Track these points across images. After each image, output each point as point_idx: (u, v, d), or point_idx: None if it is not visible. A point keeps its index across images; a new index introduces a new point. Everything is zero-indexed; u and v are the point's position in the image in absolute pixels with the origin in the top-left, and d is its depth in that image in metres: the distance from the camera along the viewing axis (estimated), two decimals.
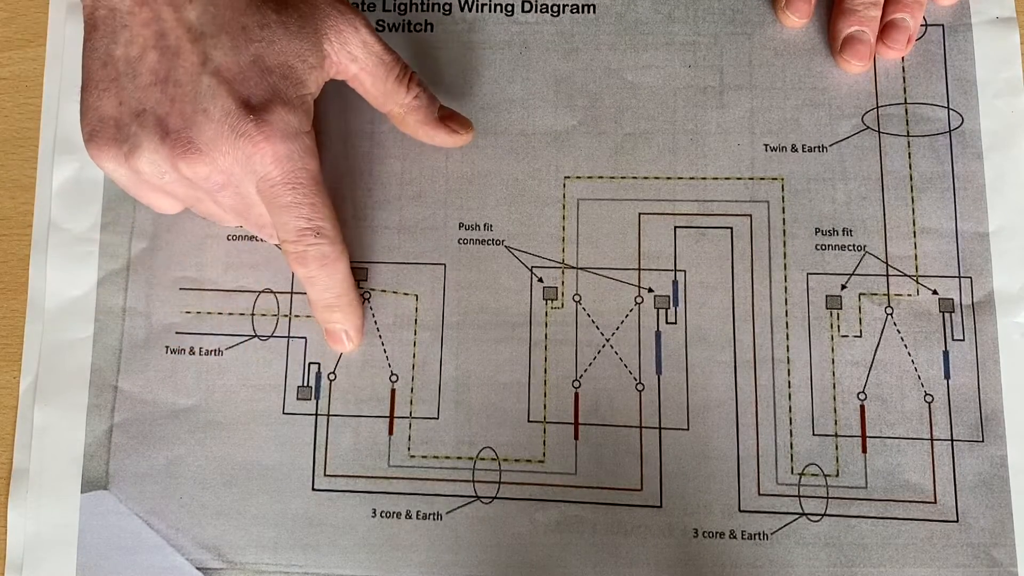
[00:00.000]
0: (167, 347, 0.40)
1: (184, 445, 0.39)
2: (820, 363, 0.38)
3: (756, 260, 0.39)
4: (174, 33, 0.34)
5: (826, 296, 0.39)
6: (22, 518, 0.39)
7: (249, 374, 0.39)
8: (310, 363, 0.39)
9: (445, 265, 0.40)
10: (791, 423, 0.38)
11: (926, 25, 0.41)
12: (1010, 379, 0.38)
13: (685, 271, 0.39)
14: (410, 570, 0.38)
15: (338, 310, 0.38)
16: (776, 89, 0.41)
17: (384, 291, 0.40)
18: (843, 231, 0.39)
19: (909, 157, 0.40)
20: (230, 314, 0.40)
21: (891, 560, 0.37)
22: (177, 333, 0.40)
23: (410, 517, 0.38)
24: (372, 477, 0.38)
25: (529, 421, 0.39)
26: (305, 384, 0.39)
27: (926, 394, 0.38)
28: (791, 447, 0.38)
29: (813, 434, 0.38)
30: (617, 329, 0.39)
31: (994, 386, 0.38)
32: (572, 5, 0.42)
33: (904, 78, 0.41)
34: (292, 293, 0.40)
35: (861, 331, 0.39)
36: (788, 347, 0.39)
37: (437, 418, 0.39)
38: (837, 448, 0.38)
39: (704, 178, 0.40)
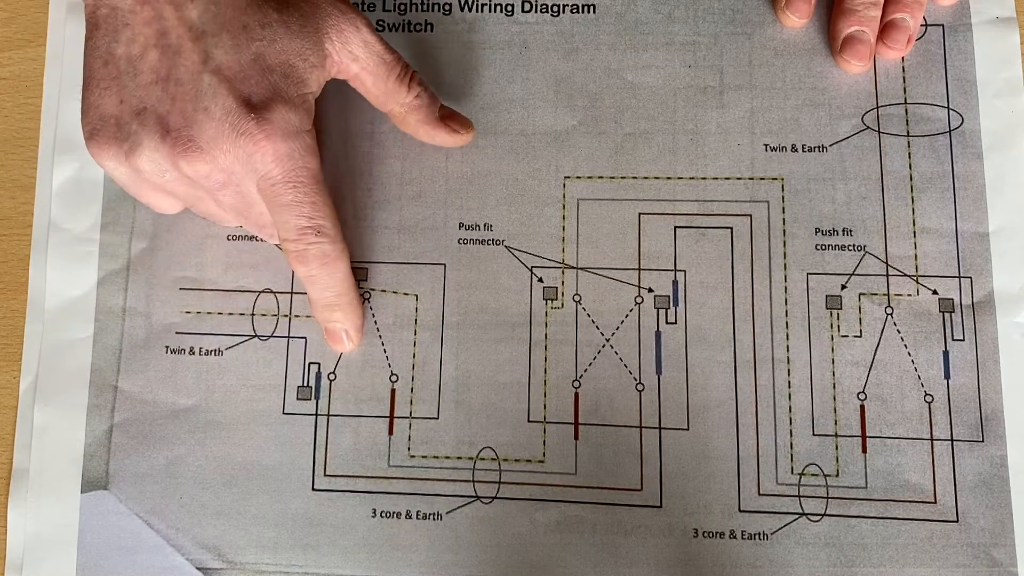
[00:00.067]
0: (167, 347, 0.40)
1: (184, 445, 0.39)
2: (820, 363, 0.38)
3: (756, 260, 0.39)
4: (175, 32, 0.34)
5: (826, 296, 0.39)
6: (22, 518, 0.39)
7: (249, 374, 0.39)
8: (310, 363, 0.39)
9: (445, 265, 0.40)
10: (791, 423, 0.38)
11: (926, 25, 0.41)
12: (1010, 379, 0.38)
13: (685, 271, 0.39)
14: (410, 570, 0.38)
15: (338, 309, 0.38)
16: (776, 89, 0.41)
17: (384, 291, 0.40)
18: (843, 231, 0.39)
19: (909, 157, 0.40)
20: (230, 314, 0.40)
21: (891, 560, 0.37)
22: (177, 333, 0.40)
23: (410, 517, 0.38)
24: (372, 477, 0.38)
25: (529, 421, 0.39)
26: (305, 384, 0.39)
27: (926, 394, 0.38)
28: (791, 447, 0.38)
29: (813, 434, 0.38)
30: (617, 329, 0.39)
31: (994, 386, 0.38)
32: (572, 5, 0.42)
33: (904, 78, 0.41)
34: (292, 293, 0.40)
35: (861, 331, 0.39)
36: (788, 347, 0.39)
37: (437, 418, 0.39)
38: (837, 448, 0.38)
39: (704, 178, 0.40)
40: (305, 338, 0.40)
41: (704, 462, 0.38)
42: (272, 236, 0.38)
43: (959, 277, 0.39)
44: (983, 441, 0.37)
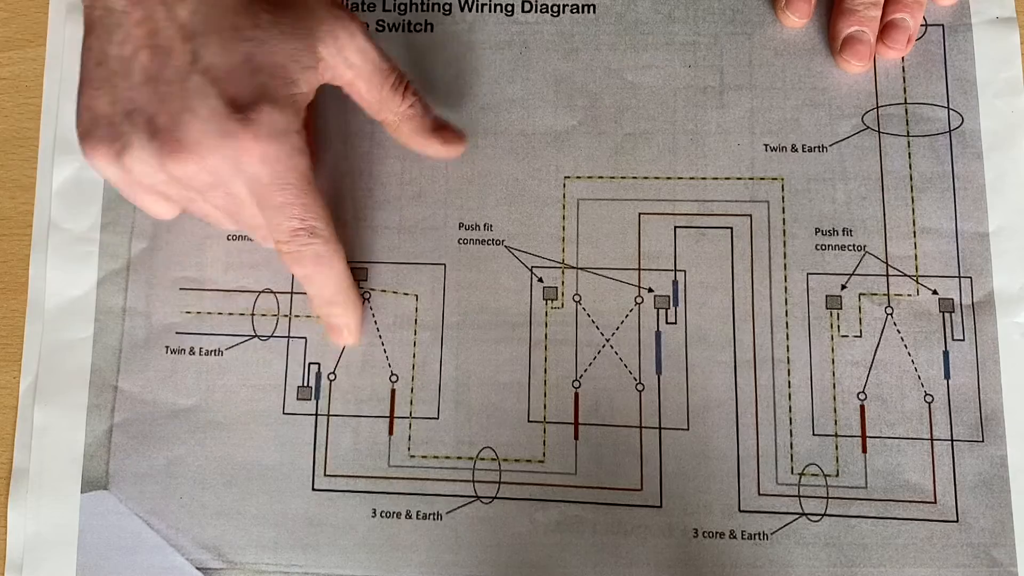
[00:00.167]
0: (167, 347, 0.40)
1: (184, 445, 0.39)
2: (820, 363, 0.38)
3: (756, 260, 0.39)
4: (166, 32, 0.33)
5: (826, 296, 0.39)
6: (22, 518, 0.39)
7: (249, 374, 0.39)
8: (310, 363, 0.39)
9: (445, 265, 0.40)
10: (791, 423, 0.38)
11: (926, 25, 0.41)
12: (1010, 379, 0.38)
13: (685, 271, 0.39)
14: (410, 570, 0.38)
15: (337, 306, 0.38)
16: (776, 89, 0.41)
17: (384, 291, 0.40)
18: (843, 231, 0.39)
19: (909, 157, 0.40)
20: (230, 314, 0.40)
21: (891, 560, 0.37)
22: (177, 333, 0.40)
23: (410, 517, 0.38)
24: (372, 477, 0.38)
25: (529, 421, 0.39)
26: (305, 384, 0.39)
27: (926, 394, 0.38)
28: (791, 447, 0.38)
29: (813, 434, 0.38)
30: (617, 329, 0.39)
31: (994, 386, 0.38)
32: (572, 5, 0.42)
33: (904, 78, 0.41)
34: (292, 293, 0.40)
35: (861, 331, 0.39)
36: (788, 347, 0.39)
37: (437, 418, 0.39)
38: (837, 448, 0.38)
39: (704, 178, 0.40)
40: (305, 338, 0.40)
41: (704, 462, 0.38)
42: (266, 239, 0.38)
43: (959, 277, 0.39)
44: (983, 441, 0.37)
